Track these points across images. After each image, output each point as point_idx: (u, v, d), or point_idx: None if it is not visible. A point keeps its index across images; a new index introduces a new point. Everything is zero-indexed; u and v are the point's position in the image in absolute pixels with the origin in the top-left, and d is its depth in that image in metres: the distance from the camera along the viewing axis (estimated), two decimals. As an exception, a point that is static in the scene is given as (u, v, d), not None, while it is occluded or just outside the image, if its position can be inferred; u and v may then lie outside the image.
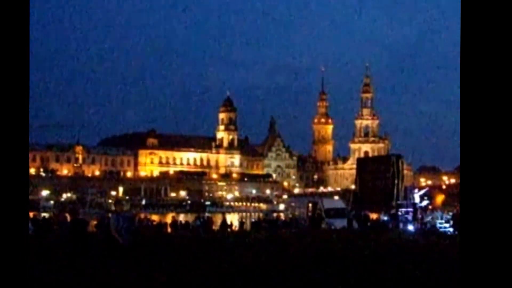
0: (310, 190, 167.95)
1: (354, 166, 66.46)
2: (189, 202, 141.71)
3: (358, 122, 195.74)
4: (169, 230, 35.69)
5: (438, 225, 35.71)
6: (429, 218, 38.00)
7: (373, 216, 41.65)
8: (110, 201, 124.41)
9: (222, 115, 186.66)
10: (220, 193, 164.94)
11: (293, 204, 50.89)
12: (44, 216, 42.03)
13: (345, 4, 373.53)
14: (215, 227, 39.48)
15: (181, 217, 79.08)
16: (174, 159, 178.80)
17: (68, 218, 25.08)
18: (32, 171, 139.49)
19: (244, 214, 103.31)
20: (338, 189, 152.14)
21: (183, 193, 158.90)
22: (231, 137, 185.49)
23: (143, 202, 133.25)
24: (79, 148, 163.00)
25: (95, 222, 33.36)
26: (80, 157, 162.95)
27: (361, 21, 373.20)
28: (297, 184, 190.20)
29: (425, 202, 42.40)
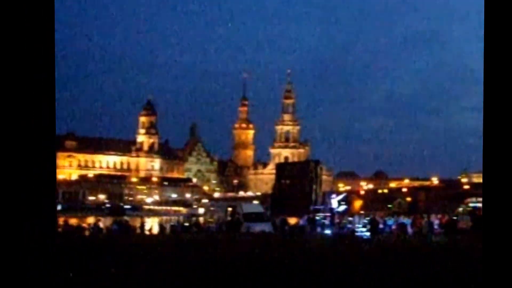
0: (230, 194, 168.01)
1: (274, 171, 66.98)
2: (108, 205, 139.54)
3: (279, 128, 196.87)
4: (87, 233, 35.35)
5: (356, 230, 36.46)
6: (350, 225, 38.74)
7: (292, 220, 42.16)
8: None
9: (142, 119, 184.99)
10: (140, 196, 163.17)
11: (212, 208, 50.96)
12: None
13: (268, 9, 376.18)
14: (135, 230, 39.24)
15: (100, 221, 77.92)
16: (94, 162, 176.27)
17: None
18: None
19: (164, 217, 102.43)
20: (258, 193, 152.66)
21: (102, 197, 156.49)
22: (151, 140, 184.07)
23: (59, 207, 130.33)
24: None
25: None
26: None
27: (284, 26, 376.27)
28: (217, 189, 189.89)
29: (342, 207, 43.23)
